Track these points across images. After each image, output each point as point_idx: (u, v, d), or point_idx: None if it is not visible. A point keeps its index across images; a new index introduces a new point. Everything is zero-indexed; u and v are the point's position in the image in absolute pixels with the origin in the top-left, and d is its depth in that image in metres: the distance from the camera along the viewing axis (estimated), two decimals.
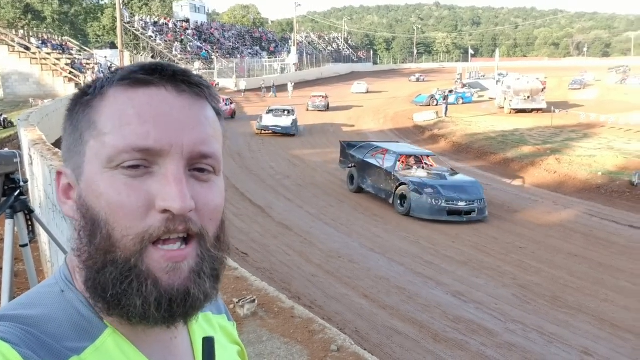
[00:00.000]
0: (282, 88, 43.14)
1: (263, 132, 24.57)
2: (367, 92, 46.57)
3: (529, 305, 8.03)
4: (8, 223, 2.66)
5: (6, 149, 3.29)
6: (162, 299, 0.60)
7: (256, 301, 4.40)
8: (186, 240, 0.63)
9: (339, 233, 11.27)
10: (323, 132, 26.39)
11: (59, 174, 0.69)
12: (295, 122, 24.99)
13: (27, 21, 45.68)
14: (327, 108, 34.12)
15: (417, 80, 60.98)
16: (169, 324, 0.63)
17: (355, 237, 11.04)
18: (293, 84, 43.57)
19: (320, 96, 35.27)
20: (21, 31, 38.12)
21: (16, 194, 2.67)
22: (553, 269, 9.58)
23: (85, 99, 0.66)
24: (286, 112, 25.86)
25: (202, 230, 0.63)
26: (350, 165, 15.45)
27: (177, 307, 0.61)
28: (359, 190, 14.80)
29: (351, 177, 15.24)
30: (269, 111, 26.07)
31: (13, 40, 32.90)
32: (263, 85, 42.36)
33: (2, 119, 24.36)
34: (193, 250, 0.63)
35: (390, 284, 8.55)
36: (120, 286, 0.60)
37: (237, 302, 4.36)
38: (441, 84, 47.39)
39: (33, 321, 0.60)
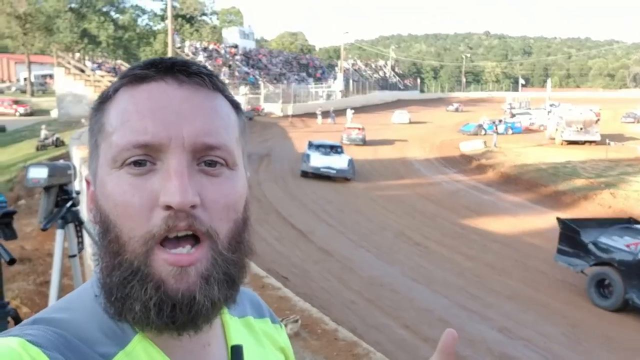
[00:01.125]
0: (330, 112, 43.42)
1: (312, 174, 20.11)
2: (410, 122, 43.27)
3: (580, 346, 7.59)
4: (59, 233, 2.70)
5: (61, 161, 3.36)
6: (164, 304, 0.57)
7: (299, 321, 4.31)
8: (197, 241, 0.59)
9: (380, 261, 11.05)
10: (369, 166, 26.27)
11: (87, 182, 0.68)
12: (351, 162, 20.76)
13: (83, 45, 47.89)
14: (364, 142, 30.02)
15: (456, 110, 58.58)
16: (177, 331, 0.60)
17: (398, 265, 10.79)
18: (353, 110, 42.78)
19: (357, 128, 31.24)
20: (77, 54, 39.97)
21: (68, 205, 2.71)
22: (605, 310, 9.06)
23: (97, 104, 0.66)
24: (335, 149, 21.80)
25: (210, 230, 0.59)
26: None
27: (181, 313, 0.58)
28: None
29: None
30: (314, 147, 21.64)
31: (69, 63, 34.52)
32: (319, 112, 41.76)
33: (54, 138, 25.48)
34: (204, 254, 0.59)
35: (433, 316, 8.26)
36: (124, 290, 0.58)
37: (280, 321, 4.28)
38: (482, 114, 46.58)
39: (66, 325, 0.59)
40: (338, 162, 20.38)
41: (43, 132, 26.54)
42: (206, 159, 0.61)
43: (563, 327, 8.25)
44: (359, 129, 31.02)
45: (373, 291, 9.16)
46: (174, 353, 0.63)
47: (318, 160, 20.32)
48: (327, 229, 13.48)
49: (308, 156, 20.57)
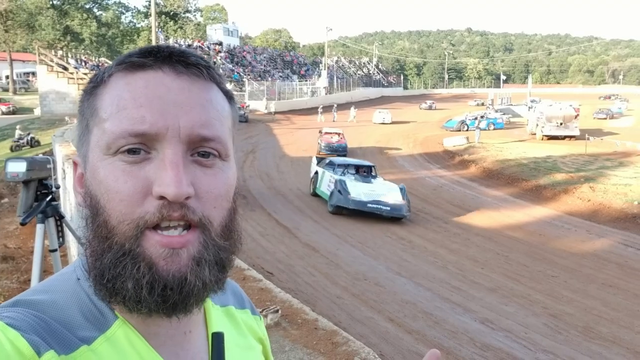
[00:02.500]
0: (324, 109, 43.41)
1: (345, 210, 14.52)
2: (392, 122, 40.14)
3: (560, 335, 7.76)
4: (39, 228, 2.70)
5: (40, 155, 3.36)
6: (155, 283, 0.58)
7: (280, 311, 4.38)
8: (188, 227, 0.61)
9: (366, 256, 11.16)
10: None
11: (75, 164, 0.69)
12: (404, 192, 14.83)
13: (66, 42, 47.28)
14: (346, 151, 24.64)
15: (430, 108, 56.89)
16: (167, 313, 0.61)
17: (382, 260, 10.91)
18: (356, 108, 42.66)
19: (336, 133, 25.78)
20: (60, 52, 39.48)
21: (48, 199, 2.71)
22: (586, 299, 9.28)
23: (90, 87, 0.66)
24: (369, 171, 16.76)
25: (203, 219, 0.61)
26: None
27: (172, 292, 0.59)
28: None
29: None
30: (337, 168, 16.34)
31: (52, 61, 34.12)
32: (321, 109, 41.56)
33: (29, 138, 24.74)
34: (195, 237, 0.61)
35: (416, 308, 8.39)
36: (115, 270, 0.59)
37: (260, 312, 4.35)
38: (458, 110, 46.85)
39: (46, 307, 0.59)
40: (390, 195, 14.54)
41: (17, 132, 25.81)
42: (200, 150, 0.62)
43: (544, 317, 8.42)
44: (339, 134, 25.65)
45: (358, 286, 9.26)
46: (154, 339, 0.64)
47: (360, 191, 14.52)
48: (312, 224, 13.55)
49: (343, 184, 14.61)
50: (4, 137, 30.19)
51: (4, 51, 50.47)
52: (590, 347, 7.43)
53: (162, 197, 0.58)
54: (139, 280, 0.58)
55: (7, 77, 55.23)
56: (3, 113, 40.67)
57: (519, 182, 20.12)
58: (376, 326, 7.52)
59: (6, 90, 53.03)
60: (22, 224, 2.62)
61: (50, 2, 47.57)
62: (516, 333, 7.72)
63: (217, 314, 0.76)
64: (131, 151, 0.59)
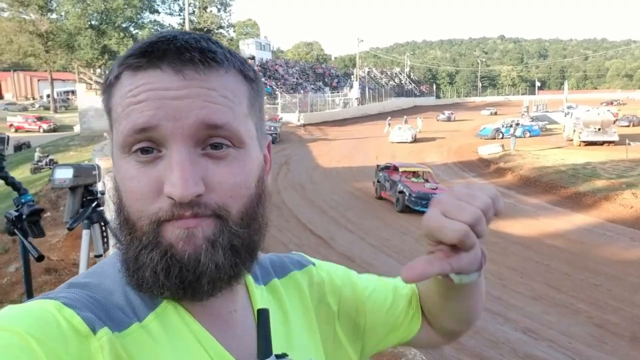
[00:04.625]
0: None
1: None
2: (414, 140, 34.20)
3: (606, 345, 7.54)
4: (85, 233, 2.76)
5: (86, 162, 3.45)
6: (172, 268, 0.60)
7: None
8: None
9: (402, 265, 11.00)
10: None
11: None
12: None
13: (104, 61, 48.61)
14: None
15: (448, 119, 52.26)
16: (188, 296, 0.62)
17: None
18: (422, 119, 42.41)
19: (422, 174, 18.43)
20: (98, 70, 40.63)
21: (94, 205, 2.78)
22: (632, 308, 8.97)
23: (106, 86, 0.66)
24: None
25: (217, 210, 0.61)
26: None
27: (188, 273, 0.60)
28: None
29: None
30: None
31: (90, 79, 35.15)
32: (389, 121, 41.23)
33: (48, 160, 24.04)
34: (211, 221, 0.61)
35: None
36: (137, 263, 0.61)
37: None
38: (480, 122, 45.95)
39: (98, 289, 0.63)
40: None
41: (37, 155, 25.32)
42: (210, 141, 0.61)
43: (588, 327, 8.19)
44: (427, 176, 18.09)
45: None
46: (201, 317, 0.66)
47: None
48: (348, 234, 13.53)
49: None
50: (45, 153, 31.17)
51: (45, 71, 52.28)
52: (638, 357, 7.19)
53: (171, 198, 0.59)
54: (154, 268, 0.60)
55: (48, 95, 57.19)
56: (45, 131, 42.09)
57: (557, 189, 19.67)
58: None
59: (47, 108, 54.88)
60: (70, 229, 2.68)
61: (89, 23, 49.09)
62: (560, 343, 7.53)
63: (261, 294, 0.77)
64: (144, 150, 0.60)
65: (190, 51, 0.61)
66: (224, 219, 0.62)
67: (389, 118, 42.37)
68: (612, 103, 67.12)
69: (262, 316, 0.66)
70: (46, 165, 23.73)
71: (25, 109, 55.22)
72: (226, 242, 0.62)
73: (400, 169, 17.78)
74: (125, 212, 0.63)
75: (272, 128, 32.93)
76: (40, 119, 45.18)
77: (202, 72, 0.61)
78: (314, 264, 0.90)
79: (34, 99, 66.31)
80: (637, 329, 8.13)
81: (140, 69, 0.61)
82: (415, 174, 18.25)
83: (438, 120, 51.38)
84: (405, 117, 44.44)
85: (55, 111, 51.79)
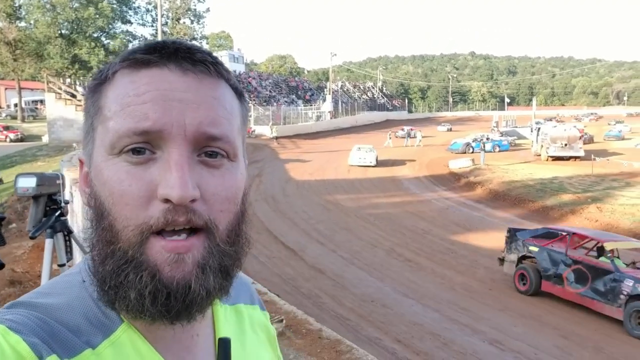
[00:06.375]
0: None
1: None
2: (376, 164, 28.35)
3: (570, 356, 7.67)
4: (48, 242, 2.71)
5: (50, 171, 3.39)
6: (159, 293, 0.56)
7: (284, 321, 4.38)
8: (193, 232, 0.58)
9: (372, 277, 11.10)
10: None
11: (81, 162, 0.67)
12: None
13: (74, 70, 47.90)
14: None
15: (408, 135, 44.58)
16: (170, 320, 0.59)
17: (389, 282, 10.85)
18: (421, 132, 42.56)
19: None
20: (68, 80, 40.01)
21: (57, 214, 2.73)
22: (597, 320, 9.16)
23: (94, 85, 0.63)
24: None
25: (208, 222, 0.58)
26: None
27: (176, 301, 0.57)
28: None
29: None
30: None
31: (60, 88, 34.57)
32: (390, 134, 41.72)
33: None
34: (200, 242, 0.58)
35: (424, 329, 8.32)
36: (117, 278, 0.57)
37: None
38: (470, 132, 46.81)
39: (49, 310, 0.58)
40: None
41: None
42: (207, 149, 0.59)
43: (554, 338, 8.32)
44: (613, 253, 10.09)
45: (365, 307, 9.20)
46: (161, 343, 0.62)
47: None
48: (319, 247, 13.51)
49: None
50: (12, 163, 30.49)
51: (13, 79, 51.22)
52: None
53: (166, 200, 0.56)
54: (141, 290, 0.56)
55: (15, 105, 55.95)
56: (12, 140, 41.10)
57: (525, 203, 20.04)
58: (384, 347, 7.45)
59: (15, 118, 53.64)
60: (32, 238, 2.63)
61: (59, 32, 48.35)
62: (526, 354, 7.63)
63: (225, 314, 0.74)
64: (136, 151, 0.57)
65: (202, 53, 0.61)
66: (213, 234, 0.59)
67: (391, 131, 42.49)
68: (551, 119, 66.10)
69: (224, 346, 0.65)
70: None
71: None
72: (216, 265, 0.60)
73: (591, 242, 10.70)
74: (109, 218, 0.58)
75: None
76: (7, 128, 44.11)
77: (209, 78, 0.61)
78: (267, 312, 0.88)
79: (0, 108, 64.80)
80: (601, 339, 8.29)
81: (144, 66, 0.59)
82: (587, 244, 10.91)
83: (397, 137, 44.81)
84: (405, 128, 44.87)
85: (23, 121, 50.66)
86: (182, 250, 0.57)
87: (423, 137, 42.47)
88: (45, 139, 36.86)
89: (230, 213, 0.62)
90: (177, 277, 0.57)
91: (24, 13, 48.77)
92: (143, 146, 0.57)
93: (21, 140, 41.17)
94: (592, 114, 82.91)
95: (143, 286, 0.56)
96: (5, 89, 65.92)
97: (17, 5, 47.04)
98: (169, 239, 0.57)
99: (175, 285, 0.56)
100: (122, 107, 0.58)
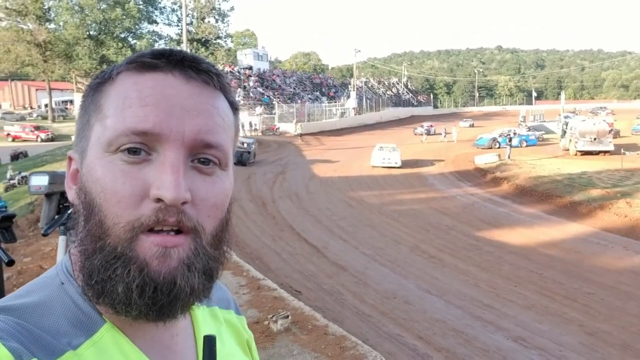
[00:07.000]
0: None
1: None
2: (401, 165, 26.96)
3: (596, 353, 7.51)
4: (61, 239, 2.76)
5: (62, 169, 3.46)
6: (146, 286, 0.58)
7: (290, 317, 4.40)
8: (180, 232, 0.60)
9: (395, 274, 11.04)
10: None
11: (70, 159, 0.68)
12: None
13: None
14: None
15: (427, 132, 44.17)
16: (155, 317, 0.60)
17: (412, 278, 10.77)
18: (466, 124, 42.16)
19: None
20: None
21: (69, 211, 2.77)
22: (624, 316, 8.96)
23: (95, 83, 0.65)
24: None
25: (197, 225, 0.60)
26: None
27: (162, 295, 0.58)
28: None
29: None
30: None
31: None
32: (425, 129, 41.57)
33: (20, 177, 22.91)
34: (187, 242, 0.60)
35: (447, 326, 8.24)
36: (105, 272, 0.58)
37: (270, 318, 4.39)
38: (495, 127, 46.09)
39: (28, 313, 0.58)
40: None
41: (9, 173, 24.17)
42: (201, 156, 0.62)
43: (580, 335, 8.16)
44: None
45: (387, 304, 9.16)
46: (142, 342, 0.63)
47: None
48: (341, 244, 13.50)
49: None
50: (43, 162, 31.20)
51: (43, 80, 52.37)
52: None
53: (159, 200, 0.57)
54: (129, 284, 0.57)
55: (46, 105, 57.22)
56: (42, 140, 42.08)
57: (553, 198, 19.69)
58: (405, 343, 7.41)
59: (45, 118, 54.86)
60: (44, 235, 2.68)
61: (87, 33, 49.30)
62: (550, 352, 7.50)
63: (203, 315, 0.76)
64: (132, 151, 0.59)
65: (207, 64, 0.64)
66: (200, 236, 0.61)
67: (420, 126, 42.16)
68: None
69: (209, 343, 0.66)
70: (19, 183, 22.39)
71: (23, 118, 55.18)
72: (201, 266, 0.61)
73: None
74: (99, 215, 0.59)
75: (245, 145, 27.13)
76: (38, 128, 45.16)
77: (210, 88, 0.64)
78: (243, 317, 0.90)
79: (31, 108, 66.33)
80: (629, 337, 8.11)
81: (149, 70, 0.61)
82: None
83: (415, 135, 44.42)
84: (424, 125, 43.83)
85: (53, 120, 51.77)
86: (169, 244, 0.59)
87: (447, 133, 41.97)
88: (74, 139, 37.57)
89: (216, 219, 0.64)
90: (163, 271, 0.58)
91: (53, 15, 49.87)
92: (139, 147, 0.59)
93: (52, 139, 42.12)
94: (600, 108, 79.04)
95: (131, 280, 0.57)
96: (36, 89, 67.56)
97: (46, 7, 48.03)
98: (158, 235, 0.59)
99: (162, 279, 0.58)
100: (123, 106, 0.60)
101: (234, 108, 0.69)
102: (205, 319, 0.76)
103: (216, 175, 0.63)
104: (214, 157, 0.62)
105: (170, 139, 0.59)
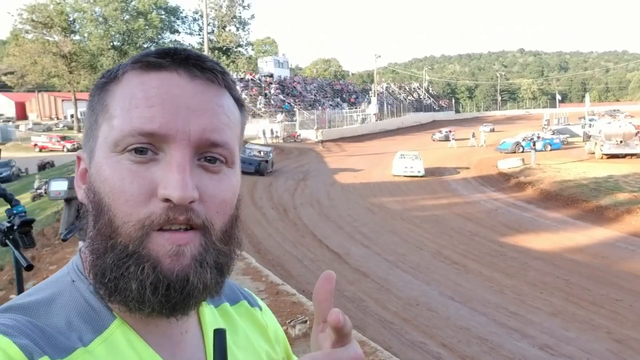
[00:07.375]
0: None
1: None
2: (424, 174, 26.17)
3: None
4: (81, 244, 2.79)
5: None
6: (160, 284, 0.58)
7: (308, 322, 4.38)
8: (191, 229, 0.61)
9: (418, 281, 10.94)
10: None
11: (78, 159, 0.69)
12: None
13: None
14: None
15: (446, 138, 43.56)
16: (168, 313, 0.61)
17: (435, 285, 10.66)
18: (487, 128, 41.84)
19: None
20: None
21: None
22: None
23: (102, 83, 0.66)
24: None
25: (205, 222, 0.61)
26: None
27: (175, 292, 0.59)
28: None
29: None
30: None
31: None
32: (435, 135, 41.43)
33: (47, 187, 22.83)
34: (197, 238, 0.61)
35: (471, 334, 8.13)
36: (118, 270, 0.59)
37: (289, 323, 4.38)
38: (518, 131, 45.50)
39: (40, 312, 0.59)
40: None
41: (36, 182, 24.34)
42: (207, 155, 0.62)
43: (607, 342, 7.97)
44: None
45: (409, 311, 9.08)
46: (153, 338, 0.64)
47: None
48: (363, 250, 13.43)
49: None
50: (69, 172, 31.77)
51: (69, 91, 53.42)
52: None
53: (167, 200, 0.58)
54: (143, 281, 0.58)
55: (71, 115, 58.35)
56: (68, 150, 42.90)
57: (578, 203, 19.34)
58: (429, 351, 7.32)
59: (71, 128, 55.96)
60: (63, 240, 2.71)
61: (111, 44, 50.22)
62: (577, 359, 7.34)
63: (211, 313, 0.76)
64: (138, 151, 0.59)
65: (212, 62, 0.65)
66: (209, 232, 0.62)
67: (444, 131, 42.09)
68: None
69: (220, 337, 0.65)
70: (45, 192, 22.86)
71: (49, 128, 56.36)
72: (212, 262, 0.62)
73: None
74: (108, 214, 0.60)
75: (262, 154, 26.66)
76: (64, 138, 46.07)
77: (215, 86, 0.64)
78: (260, 308, 0.88)
79: (58, 118, 67.68)
80: None
81: (155, 69, 0.62)
82: None
83: (434, 141, 44.04)
84: (442, 130, 43.59)
85: (79, 131, 52.74)
86: (182, 242, 0.59)
87: (464, 139, 41.60)
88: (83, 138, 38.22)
89: (225, 215, 0.64)
90: (176, 269, 0.59)
91: (78, 27, 50.87)
92: (146, 147, 0.59)
93: (77, 149, 42.84)
94: (614, 110, 75.75)
95: (145, 277, 0.58)
96: (62, 100, 68.85)
97: (71, 19, 49.03)
98: (170, 232, 0.59)
99: (175, 277, 0.59)
100: (129, 106, 0.60)
101: (240, 104, 0.69)
102: (214, 317, 0.76)
103: (223, 172, 0.64)
104: (220, 155, 0.63)
105: (177, 139, 0.60)
